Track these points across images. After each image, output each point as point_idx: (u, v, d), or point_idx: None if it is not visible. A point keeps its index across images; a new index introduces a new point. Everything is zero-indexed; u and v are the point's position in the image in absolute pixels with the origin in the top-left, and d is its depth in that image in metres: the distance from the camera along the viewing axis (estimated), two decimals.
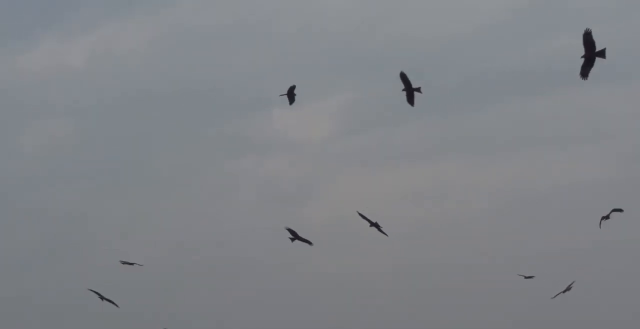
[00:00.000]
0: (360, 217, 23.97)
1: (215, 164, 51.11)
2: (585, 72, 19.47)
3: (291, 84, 24.45)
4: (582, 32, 18.83)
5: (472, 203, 45.35)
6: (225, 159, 51.50)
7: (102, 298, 25.78)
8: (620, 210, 24.35)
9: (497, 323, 36.38)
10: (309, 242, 24.17)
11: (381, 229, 24.38)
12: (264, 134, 51.97)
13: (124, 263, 27.50)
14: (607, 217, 24.22)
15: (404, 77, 22.03)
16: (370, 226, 24.37)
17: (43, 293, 42.92)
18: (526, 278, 26.90)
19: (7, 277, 43.78)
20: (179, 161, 50.47)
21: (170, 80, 53.87)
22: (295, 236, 23.99)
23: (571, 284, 24.89)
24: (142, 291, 42.38)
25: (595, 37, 18.99)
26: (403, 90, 22.22)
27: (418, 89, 22.37)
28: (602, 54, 19.43)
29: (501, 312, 37.48)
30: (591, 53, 19.20)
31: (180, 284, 42.28)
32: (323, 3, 57.17)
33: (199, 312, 40.47)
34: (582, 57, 19.29)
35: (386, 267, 40.66)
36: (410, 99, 22.28)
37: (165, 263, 43.36)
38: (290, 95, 24.75)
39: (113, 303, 25.92)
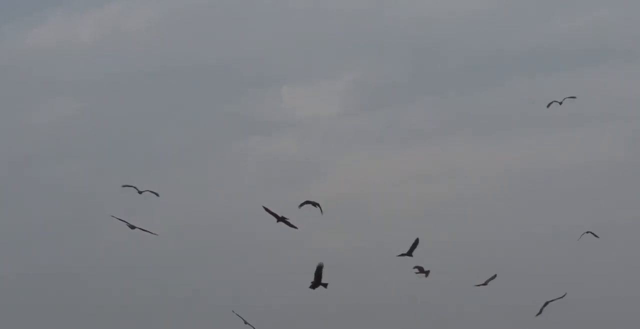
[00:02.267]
0: (265, 212, 22.92)
1: (223, 143, 51.23)
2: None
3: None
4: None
5: (480, 183, 45.40)
6: (232, 137, 51.59)
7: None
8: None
9: (503, 302, 36.48)
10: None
11: (289, 222, 23.43)
12: (273, 112, 52.05)
13: None
14: None
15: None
16: (278, 221, 23.63)
17: (50, 267, 43.19)
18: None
19: (17, 253, 44.06)
20: (186, 138, 50.59)
21: (178, 57, 53.93)
22: None
23: (493, 276, 24.94)
24: (150, 269, 42.65)
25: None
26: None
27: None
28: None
29: (510, 292, 37.61)
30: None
31: (187, 261, 42.47)
32: None
33: (205, 289, 40.69)
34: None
35: (392, 246, 40.69)
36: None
37: (173, 241, 43.58)
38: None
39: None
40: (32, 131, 51.78)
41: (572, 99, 24.86)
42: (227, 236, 43.44)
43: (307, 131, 51.40)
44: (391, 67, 53.06)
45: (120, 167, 49.76)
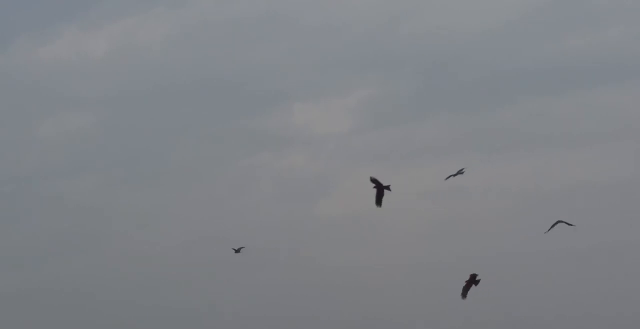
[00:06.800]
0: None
1: (234, 158, 51.39)
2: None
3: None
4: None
5: (490, 200, 45.35)
6: (243, 152, 51.78)
7: None
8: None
9: (506, 316, 36.52)
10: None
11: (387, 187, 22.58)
12: (284, 129, 52.21)
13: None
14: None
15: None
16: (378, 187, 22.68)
17: (59, 281, 43.29)
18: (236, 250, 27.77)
19: (23, 266, 44.22)
20: (197, 153, 50.77)
21: (191, 72, 54.17)
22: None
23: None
24: (160, 282, 42.73)
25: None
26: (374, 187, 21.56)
27: (388, 187, 21.98)
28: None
29: (515, 306, 37.60)
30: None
31: (197, 275, 42.56)
32: None
33: (214, 302, 40.74)
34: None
35: (402, 262, 40.78)
36: (379, 199, 21.86)
37: (181, 255, 43.68)
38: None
39: None
40: (43, 144, 52.07)
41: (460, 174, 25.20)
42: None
43: (318, 147, 51.58)
44: (402, 85, 53.26)
45: (129, 182, 49.98)
